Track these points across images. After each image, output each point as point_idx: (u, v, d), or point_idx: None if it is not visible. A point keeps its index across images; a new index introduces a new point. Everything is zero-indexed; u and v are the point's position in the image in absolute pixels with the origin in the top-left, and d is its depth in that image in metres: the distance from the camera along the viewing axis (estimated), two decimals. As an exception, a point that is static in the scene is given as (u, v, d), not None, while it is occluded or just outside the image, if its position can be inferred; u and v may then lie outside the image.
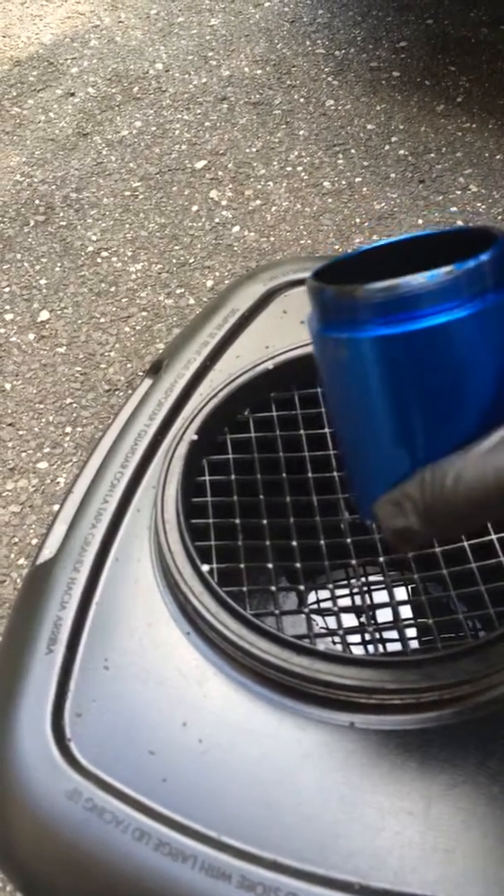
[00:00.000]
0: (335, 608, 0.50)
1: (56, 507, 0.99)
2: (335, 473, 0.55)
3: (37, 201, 1.38)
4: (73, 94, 1.59)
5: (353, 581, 0.57)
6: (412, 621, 0.51)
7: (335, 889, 0.36)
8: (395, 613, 0.49)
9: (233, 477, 0.55)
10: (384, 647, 0.53)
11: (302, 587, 0.50)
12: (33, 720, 0.44)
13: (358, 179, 1.36)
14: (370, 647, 0.52)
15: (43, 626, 0.48)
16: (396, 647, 0.52)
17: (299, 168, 1.39)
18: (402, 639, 0.47)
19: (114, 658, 0.46)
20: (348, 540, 0.52)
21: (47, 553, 0.54)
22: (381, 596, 0.54)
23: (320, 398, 0.59)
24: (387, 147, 1.41)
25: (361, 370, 0.33)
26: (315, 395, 0.59)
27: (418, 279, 0.31)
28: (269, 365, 0.59)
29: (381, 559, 0.52)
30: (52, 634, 0.47)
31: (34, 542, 0.96)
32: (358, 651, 0.51)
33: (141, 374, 1.12)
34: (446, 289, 0.31)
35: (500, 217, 1.27)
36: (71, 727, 0.44)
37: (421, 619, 0.50)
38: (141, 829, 0.39)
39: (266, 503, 0.54)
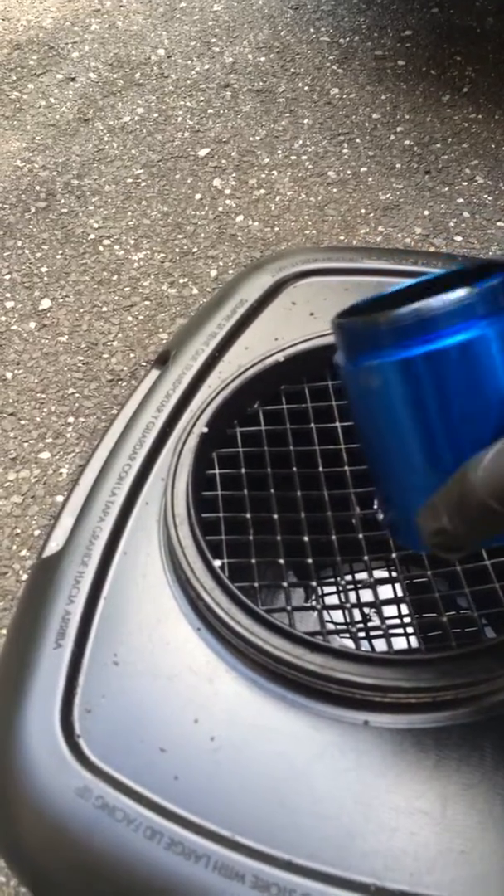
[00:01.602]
0: (347, 604, 0.49)
1: (59, 498, 0.98)
2: (346, 468, 0.55)
3: (37, 187, 1.36)
4: (73, 79, 1.57)
5: (363, 577, 0.56)
6: (422, 618, 0.51)
7: (350, 890, 0.36)
8: (408, 609, 0.48)
9: (243, 471, 0.54)
10: (390, 645, 0.53)
11: (314, 583, 0.50)
12: (42, 716, 0.43)
13: (363, 169, 1.35)
14: (379, 644, 0.52)
15: (50, 621, 0.47)
16: (403, 642, 0.51)
17: (304, 157, 1.38)
18: (414, 635, 0.47)
19: (123, 653, 0.46)
20: (360, 535, 0.52)
21: (54, 546, 0.53)
22: (391, 592, 0.54)
23: (331, 391, 0.58)
24: (392, 137, 1.40)
25: (395, 393, 0.34)
26: (325, 388, 0.58)
27: (440, 300, 0.32)
28: (280, 357, 0.58)
29: (394, 555, 0.51)
30: (61, 629, 0.47)
31: (37, 533, 0.95)
32: (365, 647, 0.51)
33: (144, 364, 1.11)
34: (466, 307, 0.32)
35: (506, 209, 1.26)
36: (80, 723, 0.43)
37: (431, 615, 0.49)
38: (153, 828, 0.38)
39: (276, 497, 0.53)
